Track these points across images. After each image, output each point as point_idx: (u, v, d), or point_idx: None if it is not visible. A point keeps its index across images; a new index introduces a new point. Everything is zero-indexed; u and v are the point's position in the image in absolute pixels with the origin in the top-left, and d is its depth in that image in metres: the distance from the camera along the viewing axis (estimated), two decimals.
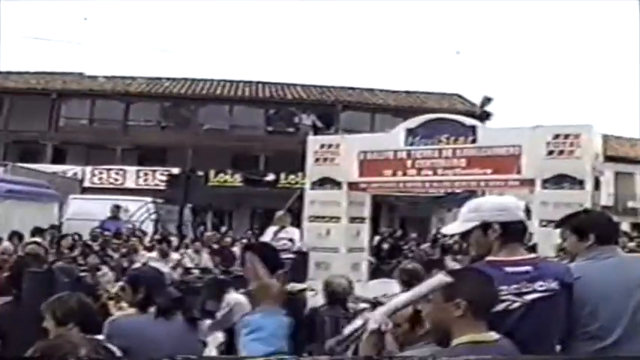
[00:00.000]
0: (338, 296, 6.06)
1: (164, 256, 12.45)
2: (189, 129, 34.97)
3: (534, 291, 3.46)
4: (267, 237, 12.86)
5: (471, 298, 3.07)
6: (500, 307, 3.37)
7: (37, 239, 11.39)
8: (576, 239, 4.08)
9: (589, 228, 4.06)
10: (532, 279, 3.48)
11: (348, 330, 3.23)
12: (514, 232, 3.63)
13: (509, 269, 3.50)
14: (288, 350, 2.96)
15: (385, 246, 20.72)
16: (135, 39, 77.08)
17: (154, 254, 12.64)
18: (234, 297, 4.87)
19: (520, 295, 3.44)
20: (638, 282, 3.85)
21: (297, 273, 8.77)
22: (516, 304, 3.43)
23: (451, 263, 7.19)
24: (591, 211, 4.80)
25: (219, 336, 5.23)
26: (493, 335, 3.10)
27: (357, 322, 3.20)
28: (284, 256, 7.79)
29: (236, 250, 15.25)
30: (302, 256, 10.86)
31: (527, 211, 3.76)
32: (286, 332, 3.02)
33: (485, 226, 3.63)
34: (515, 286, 3.44)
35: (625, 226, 28.29)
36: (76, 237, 13.91)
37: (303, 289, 5.50)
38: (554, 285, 3.51)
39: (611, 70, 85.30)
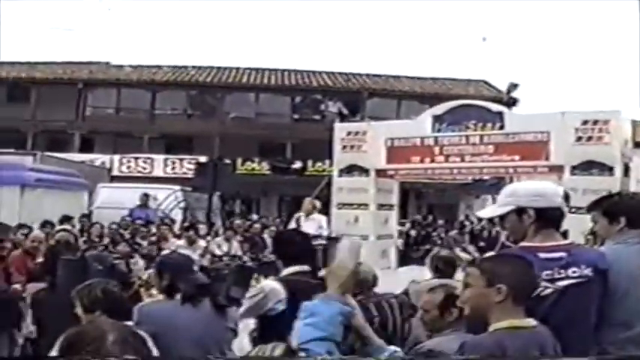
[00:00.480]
0: (363, 285, 6.06)
1: (191, 243, 12.55)
2: (215, 117, 34.97)
3: (567, 277, 3.46)
4: (292, 223, 12.91)
5: (512, 283, 3.08)
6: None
7: (67, 226, 11.48)
8: (607, 222, 4.02)
9: (620, 211, 4.01)
10: (565, 265, 3.48)
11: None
12: (550, 218, 3.61)
13: (542, 255, 3.48)
14: (341, 339, 2.98)
15: (413, 233, 20.71)
16: (159, 28, 77.20)
17: (182, 242, 12.74)
18: (269, 283, 4.86)
19: (553, 281, 3.44)
20: None
21: (329, 258, 8.76)
22: (549, 290, 3.42)
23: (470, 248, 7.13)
24: (624, 194, 4.74)
25: (251, 323, 5.25)
26: (531, 321, 3.12)
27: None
28: (315, 242, 7.82)
29: (266, 237, 15.34)
30: (334, 242, 10.87)
31: (566, 198, 3.70)
32: (342, 320, 3.03)
33: (520, 211, 3.62)
34: (548, 272, 3.44)
35: None
36: (101, 226, 13.98)
37: None
38: (587, 272, 3.49)
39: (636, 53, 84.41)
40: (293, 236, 5.59)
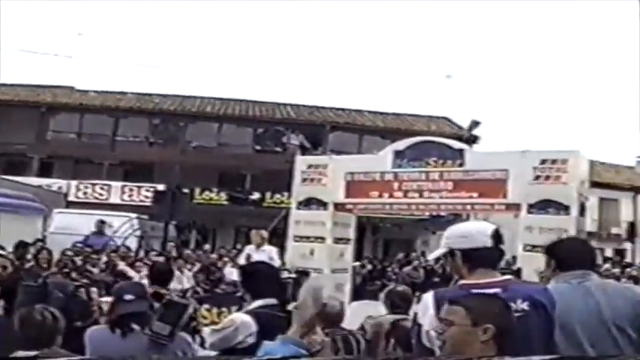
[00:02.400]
0: (330, 318, 6.01)
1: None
2: (176, 146, 34.92)
3: None
4: (243, 256, 12.80)
5: (497, 323, 3.10)
6: None
7: (1, 252, 11.29)
8: (546, 264, 4.21)
9: (551, 253, 4.17)
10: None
11: None
12: (478, 257, 3.67)
13: (477, 292, 3.52)
14: None
15: (369, 267, 20.67)
16: (126, 54, 77.11)
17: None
18: (240, 316, 4.79)
19: None
20: (607, 313, 3.82)
21: (297, 292, 8.69)
22: None
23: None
24: (568, 238, 4.82)
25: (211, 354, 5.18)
26: None
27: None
28: (284, 275, 7.74)
29: (227, 267, 15.16)
30: (302, 276, 10.78)
31: (497, 237, 3.74)
32: None
33: (452, 253, 3.74)
34: None
35: (609, 252, 28.38)
36: (49, 252, 13.73)
37: None
38: (523, 305, 3.51)
39: (599, 95, 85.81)
40: (262, 269, 5.54)
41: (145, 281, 8.20)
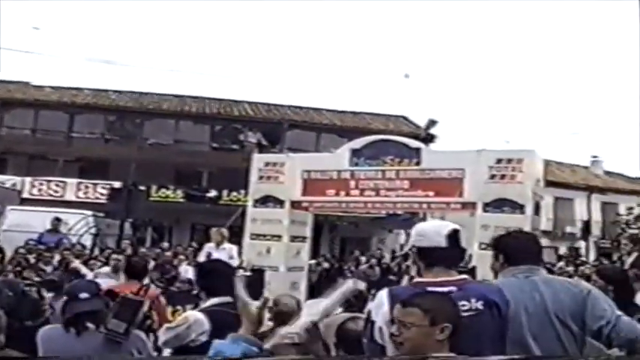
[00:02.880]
0: (285, 316, 5.99)
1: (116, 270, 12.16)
2: (133, 143, 34.52)
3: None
4: (203, 254, 12.73)
5: (452, 322, 3.17)
6: None
7: None
8: (494, 259, 4.24)
9: (499, 248, 4.23)
10: (457, 299, 3.53)
11: None
12: (433, 256, 3.75)
13: (431, 289, 3.59)
14: None
15: (325, 265, 20.65)
16: (82, 50, 76.35)
17: (107, 269, 12.29)
18: (193, 314, 4.80)
19: None
20: (551, 308, 3.88)
21: (251, 290, 8.67)
22: None
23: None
24: (515, 232, 4.84)
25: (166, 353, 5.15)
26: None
27: None
28: (239, 273, 7.73)
29: (183, 265, 15.03)
30: (257, 274, 10.75)
31: (453, 237, 3.77)
32: None
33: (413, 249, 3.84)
34: None
35: (563, 251, 28.69)
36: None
37: (260, 307, 5.46)
38: (477, 305, 3.57)
39: (554, 95, 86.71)
40: (216, 267, 5.55)
41: (100, 279, 8.13)
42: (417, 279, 3.83)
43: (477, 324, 3.51)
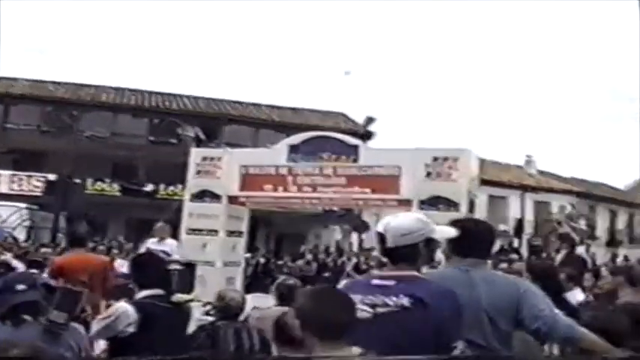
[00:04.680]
0: (231, 311, 6.04)
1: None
2: (70, 135, 34.05)
3: (385, 305, 3.61)
4: (143, 248, 12.67)
5: (302, 318, 3.22)
6: None
7: None
8: (446, 242, 4.21)
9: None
10: (388, 293, 3.62)
11: None
12: (382, 253, 3.90)
13: (375, 281, 3.74)
14: None
15: (261, 260, 20.66)
16: (17, 39, 75.04)
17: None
18: (122, 305, 4.84)
19: (373, 306, 3.61)
20: (484, 303, 3.93)
21: (183, 284, 8.71)
22: (366, 315, 3.56)
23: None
24: (469, 220, 4.87)
25: (101, 344, 5.16)
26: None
27: None
28: (169, 267, 7.74)
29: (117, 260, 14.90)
30: (188, 268, 10.74)
31: (381, 238, 3.85)
32: None
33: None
34: (370, 297, 3.63)
35: (497, 248, 29.05)
36: None
37: (189, 300, 5.48)
38: (404, 301, 3.58)
39: (490, 94, 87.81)
40: (148, 260, 5.60)
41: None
42: (375, 271, 3.98)
43: (400, 320, 3.54)
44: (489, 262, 4.41)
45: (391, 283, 3.65)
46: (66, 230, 20.17)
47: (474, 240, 4.18)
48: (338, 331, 3.18)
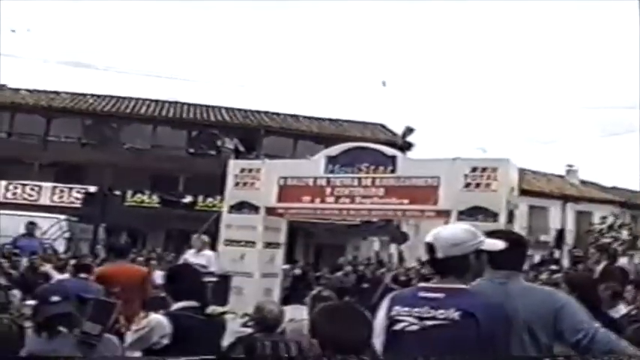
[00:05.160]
0: (269, 323, 6.02)
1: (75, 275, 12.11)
2: (110, 147, 34.41)
3: (434, 318, 3.56)
4: (181, 260, 12.74)
5: (322, 338, 3.23)
6: (398, 326, 3.59)
7: None
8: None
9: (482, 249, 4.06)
10: (437, 306, 3.57)
11: None
12: (433, 263, 3.81)
13: (422, 294, 3.67)
14: None
15: (297, 272, 20.61)
16: (60, 53, 76.04)
17: (66, 275, 12.29)
18: (155, 317, 4.85)
19: (422, 319, 3.56)
20: (522, 316, 3.85)
21: (217, 296, 8.72)
22: (414, 327, 3.56)
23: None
24: (502, 232, 4.78)
25: (136, 355, 5.17)
26: None
27: None
28: (205, 279, 7.75)
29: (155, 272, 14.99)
30: (223, 280, 10.75)
31: (431, 248, 3.81)
32: None
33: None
34: (419, 309, 3.59)
35: (537, 259, 28.80)
36: None
37: (224, 312, 5.46)
38: (454, 315, 3.54)
39: (530, 104, 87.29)
40: (183, 272, 5.61)
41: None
42: (422, 283, 3.99)
43: (450, 334, 3.49)
44: (523, 274, 4.30)
45: (440, 295, 3.61)
46: (105, 242, 20.29)
47: (507, 252, 4.07)
48: (357, 347, 3.16)
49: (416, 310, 3.58)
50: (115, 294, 7.71)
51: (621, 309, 7.12)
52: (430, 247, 3.76)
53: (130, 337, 4.82)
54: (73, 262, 13.08)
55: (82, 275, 8.78)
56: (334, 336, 3.19)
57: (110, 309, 4.77)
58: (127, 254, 10.84)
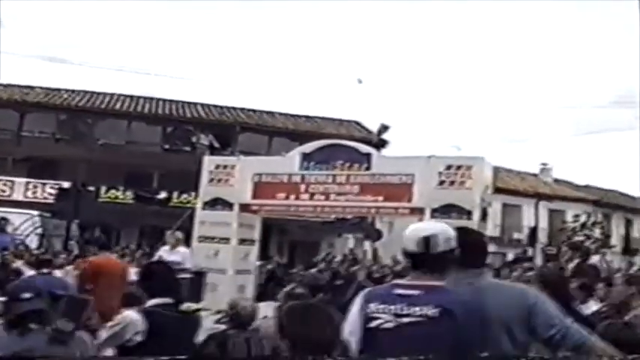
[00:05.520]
0: (242, 319, 6.01)
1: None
2: (84, 142, 34.14)
3: (410, 315, 3.54)
4: (156, 257, 12.68)
5: (291, 338, 3.23)
6: (374, 323, 3.55)
7: None
8: None
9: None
10: (414, 303, 3.55)
11: None
12: (410, 260, 3.75)
13: (398, 291, 3.63)
14: None
15: (270, 267, 20.56)
16: (34, 48, 75.46)
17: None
18: (129, 314, 4.83)
19: (398, 316, 3.54)
20: (495, 313, 3.85)
21: (192, 292, 8.72)
22: (390, 324, 3.53)
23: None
24: (464, 230, 4.78)
25: (109, 352, 5.14)
26: None
27: None
28: (179, 275, 7.74)
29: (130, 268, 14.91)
30: (198, 276, 10.75)
31: (423, 243, 3.75)
32: None
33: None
34: (395, 306, 3.56)
35: (510, 257, 28.94)
36: None
37: (198, 309, 5.44)
38: (431, 312, 3.52)
39: (504, 103, 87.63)
40: (157, 268, 5.59)
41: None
42: (396, 280, 3.89)
43: (427, 331, 3.49)
44: (489, 271, 4.32)
45: (416, 292, 3.59)
46: (78, 238, 20.16)
47: (469, 250, 4.06)
48: (325, 347, 3.16)
49: (392, 307, 3.56)
50: (96, 289, 7.79)
51: (592, 305, 7.20)
52: (427, 242, 3.73)
53: (104, 334, 4.81)
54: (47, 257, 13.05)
55: (45, 270, 8.81)
56: (302, 336, 3.18)
57: (83, 306, 4.75)
58: (109, 247, 10.97)
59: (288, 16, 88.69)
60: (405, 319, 3.53)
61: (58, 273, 12.42)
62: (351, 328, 3.63)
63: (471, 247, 4.11)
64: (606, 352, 3.80)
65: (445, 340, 3.50)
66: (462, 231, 4.34)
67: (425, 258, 3.70)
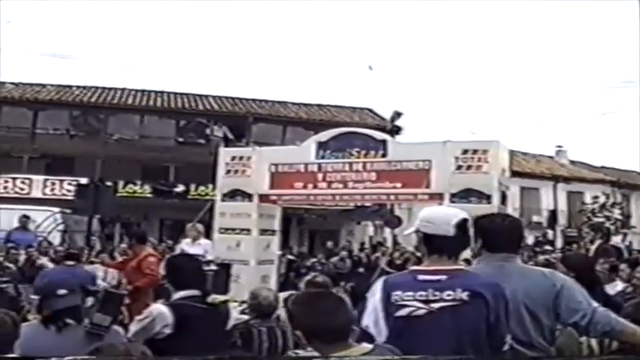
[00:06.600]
0: (264, 309, 6.07)
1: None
2: (98, 138, 34.21)
3: (441, 300, 3.54)
4: (178, 250, 12.77)
5: (306, 328, 3.19)
6: (404, 312, 3.53)
7: None
8: (473, 238, 4.10)
9: (478, 231, 4.10)
10: (441, 288, 3.56)
11: None
12: (437, 244, 3.72)
13: (421, 277, 3.62)
14: None
15: (290, 257, 20.63)
16: (45, 45, 75.59)
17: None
18: (157, 307, 4.89)
19: (427, 302, 3.54)
20: (521, 297, 3.88)
21: (218, 284, 8.76)
22: (422, 311, 3.53)
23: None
24: (497, 215, 4.80)
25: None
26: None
27: None
28: (206, 267, 7.81)
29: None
30: (223, 268, 10.79)
31: (462, 226, 3.75)
32: None
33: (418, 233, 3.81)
34: (422, 293, 3.55)
35: (530, 240, 28.92)
36: None
37: (226, 301, 5.49)
38: (462, 295, 3.55)
39: (518, 86, 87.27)
40: (184, 261, 5.62)
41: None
42: (414, 266, 3.91)
43: (460, 314, 3.52)
44: (520, 256, 4.32)
45: (442, 277, 3.59)
46: (100, 233, 20.33)
47: (503, 235, 4.14)
48: (338, 333, 3.16)
49: (419, 294, 3.55)
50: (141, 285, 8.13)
51: (618, 284, 7.20)
52: (464, 225, 3.76)
53: (133, 327, 4.86)
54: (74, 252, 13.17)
55: (69, 263, 9.03)
56: (311, 324, 3.18)
57: (119, 300, 4.83)
58: (147, 240, 11.36)
59: (298, 4, 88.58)
60: (436, 305, 3.53)
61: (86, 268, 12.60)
62: (374, 317, 3.63)
63: (507, 232, 4.15)
64: (637, 337, 3.81)
65: (479, 322, 3.57)
66: (495, 216, 4.38)
67: (455, 242, 3.74)
